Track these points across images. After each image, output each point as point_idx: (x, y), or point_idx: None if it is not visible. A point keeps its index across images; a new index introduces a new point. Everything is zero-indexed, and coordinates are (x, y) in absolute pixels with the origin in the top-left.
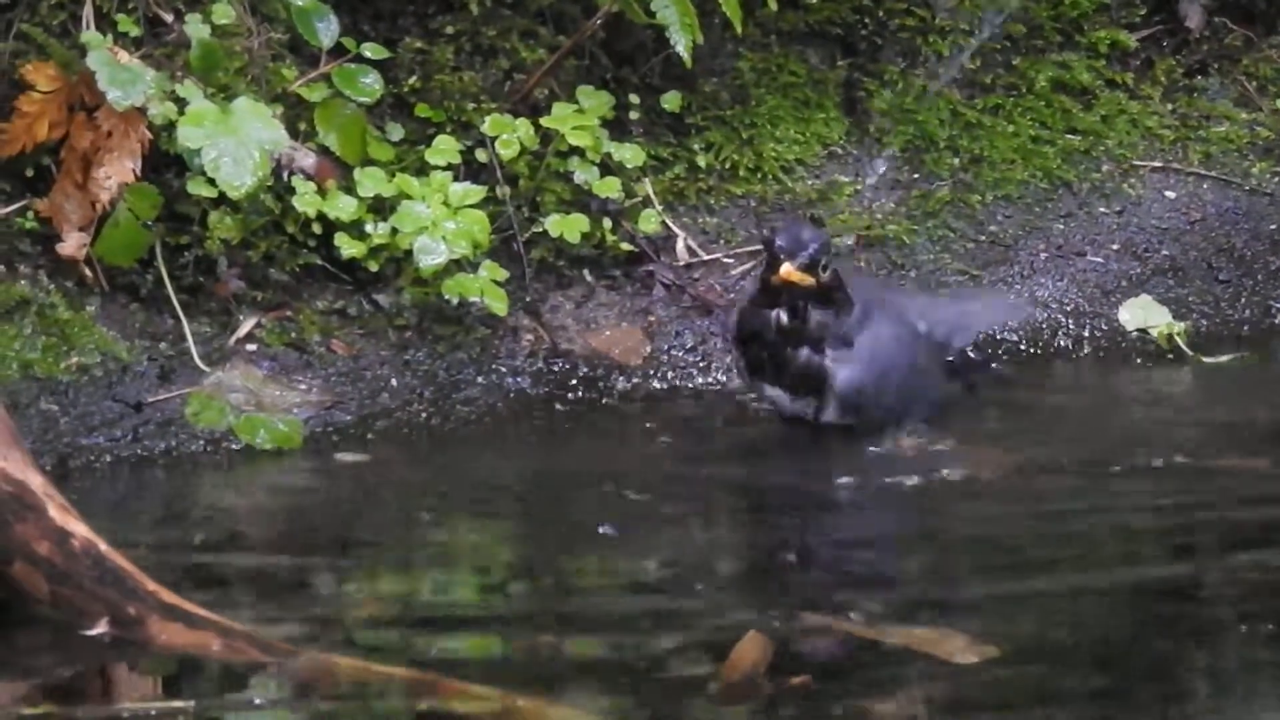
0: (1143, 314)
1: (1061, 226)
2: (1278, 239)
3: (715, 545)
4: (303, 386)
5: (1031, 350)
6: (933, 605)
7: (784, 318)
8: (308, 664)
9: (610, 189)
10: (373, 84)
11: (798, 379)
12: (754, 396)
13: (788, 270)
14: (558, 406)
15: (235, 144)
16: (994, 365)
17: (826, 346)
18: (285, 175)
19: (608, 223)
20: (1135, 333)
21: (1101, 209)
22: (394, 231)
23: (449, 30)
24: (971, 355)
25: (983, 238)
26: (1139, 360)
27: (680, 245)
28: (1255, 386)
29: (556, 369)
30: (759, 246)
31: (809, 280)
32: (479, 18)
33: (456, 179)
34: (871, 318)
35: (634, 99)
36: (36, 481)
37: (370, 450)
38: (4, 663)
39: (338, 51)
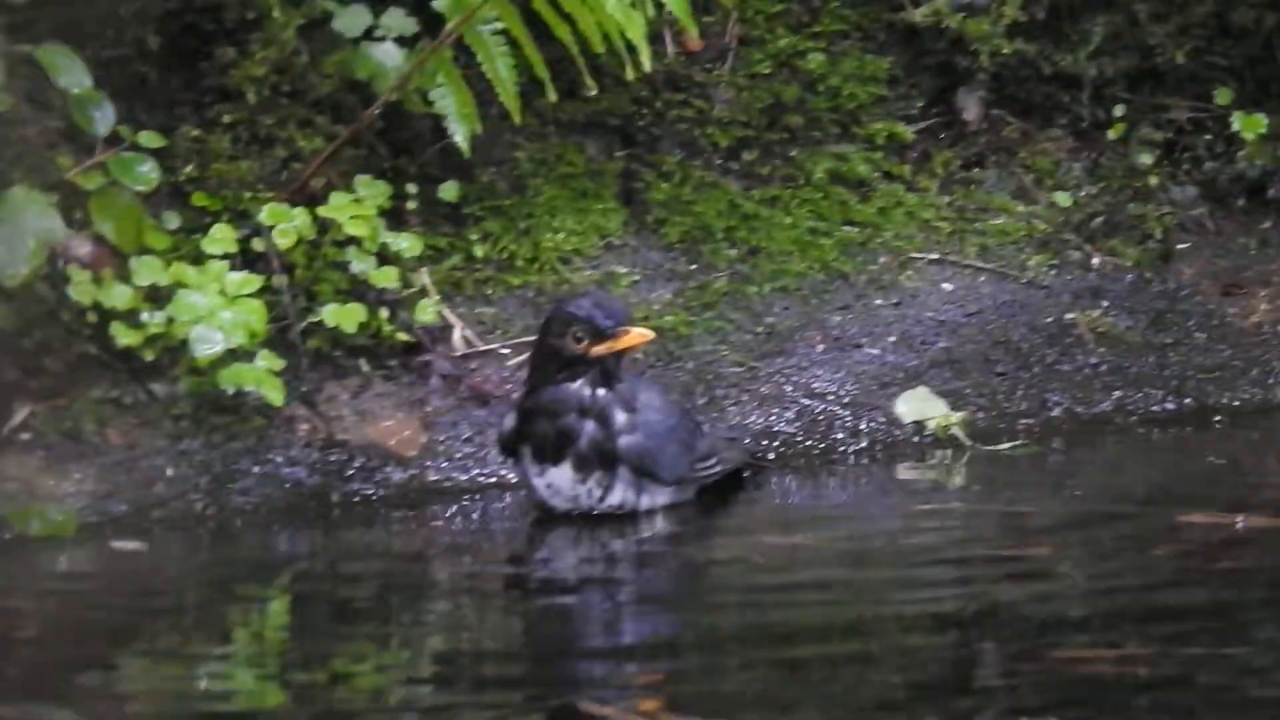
0: (920, 406)
1: (838, 318)
2: (1054, 331)
3: (488, 633)
4: (77, 475)
5: (808, 442)
6: (710, 695)
7: (593, 390)
8: None
9: (387, 279)
10: (149, 172)
11: (587, 454)
12: (529, 486)
13: (636, 335)
14: (333, 497)
15: (10, 232)
16: (760, 455)
17: (612, 414)
18: (61, 264)
19: (384, 313)
20: (912, 425)
21: (878, 301)
22: (170, 321)
23: (226, 119)
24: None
25: (760, 329)
26: (915, 451)
27: (457, 335)
28: (1033, 476)
29: (332, 459)
30: (535, 337)
31: (649, 336)
32: (256, 106)
33: (233, 268)
34: (636, 387)
35: (412, 189)
36: None
37: (146, 539)
38: None
39: (114, 140)
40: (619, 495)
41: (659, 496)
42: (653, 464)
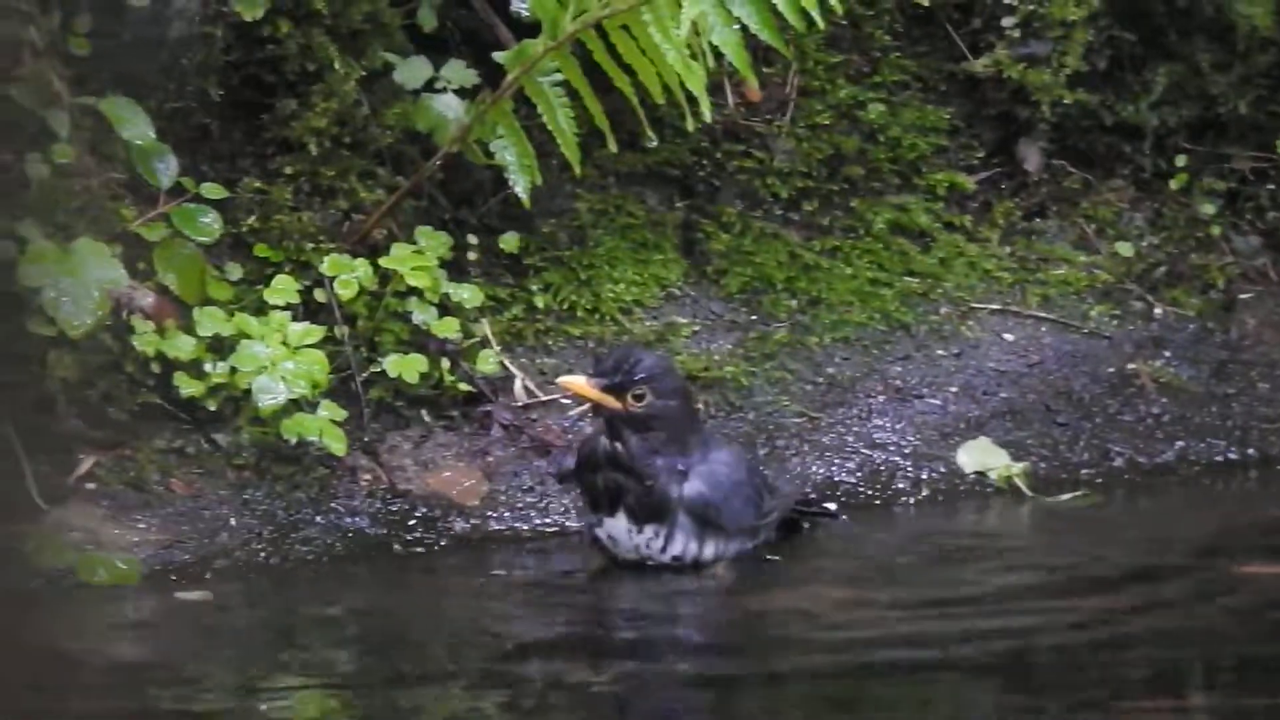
0: (981, 456)
1: (899, 368)
2: (1115, 382)
3: (551, 687)
4: (141, 525)
5: (869, 493)
6: None
7: (604, 441)
8: None
9: (448, 329)
10: (211, 223)
11: (639, 505)
12: (590, 537)
13: (569, 380)
14: (395, 547)
15: (74, 283)
16: (832, 508)
17: (660, 474)
18: (124, 315)
19: (446, 363)
20: (973, 475)
21: (939, 351)
22: (233, 371)
23: (288, 170)
24: (811, 497)
25: (820, 379)
26: (978, 502)
27: (518, 386)
28: (1095, 526)
29: (395, 509)
30: None
31: (609, 401)
32: (318, 158)
33: (295, 319)
34: (710, 447)
35: (472, 239)
36: None
37: (210, 588)
38: None
39: (177, 191)
40: (679, 545)
41: (722, 546)
42: (716, 515)
